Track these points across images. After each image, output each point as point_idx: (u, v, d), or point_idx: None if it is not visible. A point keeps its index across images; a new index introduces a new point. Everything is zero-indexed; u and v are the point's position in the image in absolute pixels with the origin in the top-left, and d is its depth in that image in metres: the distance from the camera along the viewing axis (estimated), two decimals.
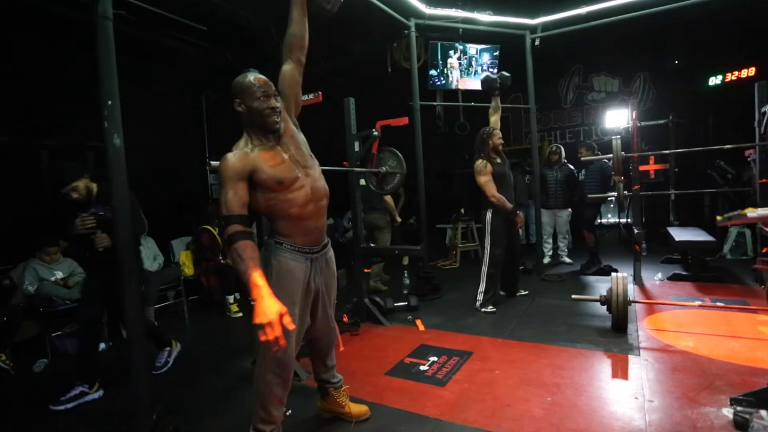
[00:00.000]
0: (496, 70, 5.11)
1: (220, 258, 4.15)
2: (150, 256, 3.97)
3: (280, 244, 1.69)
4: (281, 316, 1.38)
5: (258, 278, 1.43)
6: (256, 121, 1.65)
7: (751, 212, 1.50)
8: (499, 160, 3.72)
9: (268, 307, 1.38)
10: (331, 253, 1.87)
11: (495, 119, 3.92)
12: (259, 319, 1.37)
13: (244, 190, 1.57)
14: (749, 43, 5.77)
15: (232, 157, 1.58)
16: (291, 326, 1.42)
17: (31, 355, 3.14)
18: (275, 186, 1.61)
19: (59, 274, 3.44)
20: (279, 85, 1.78)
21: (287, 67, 1.80)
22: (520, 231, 6.19)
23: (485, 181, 3.60)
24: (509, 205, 3.59)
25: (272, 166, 1.61)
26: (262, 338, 1.36)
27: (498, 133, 3.73)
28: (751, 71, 5.99)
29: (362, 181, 3.65)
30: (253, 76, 1.66)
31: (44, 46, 4.25)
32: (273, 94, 1.66)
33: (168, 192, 5.38)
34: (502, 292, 3.90)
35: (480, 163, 3.65)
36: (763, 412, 1.76)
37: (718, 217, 1.57)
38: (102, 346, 3.35)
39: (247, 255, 1.47)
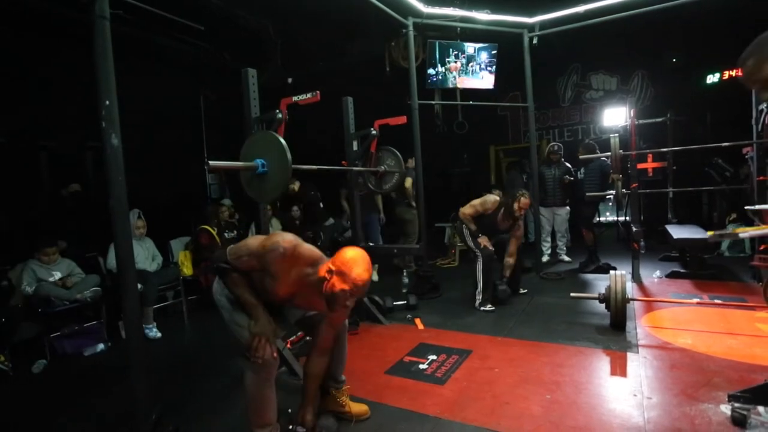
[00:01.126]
0: (493, 78, 5.11)
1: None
2: (149, 256, 3.96)
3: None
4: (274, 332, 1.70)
5: (252, 299, 1.73)
6: (329, 298, 1.64)
7: (743, 233, 1.51)
8: (499, 215, 3.79)
9: (265, 323, 1.69)
10: None
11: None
12: (256, 329, 1.68)
13: (250, 267, 1.73)
14: (746, 41, 5.75)
15: (282, 254, 1.65)
16: (273, 353, 1.70)
17: (29, 356, 3.13)
18: (268, 284, 1.73)
19: (57, 275, 3.43)
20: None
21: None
22: None
23: (474, 204, 3.80)
24: (473, 227, 3.78)
25: (284, 283, 1.70)
26: (253, 352, 1.65)
27: (527, 202, 3.72)
28: None
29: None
30: (362, 281, 1.61)
31: (42, 46, 4.24)
32: (354, 299, 1.69)
33: (166, 192, 5.37)
34: (502, 287, 3.86)
35: (492, 200, 3.79)
36: (760, 409, 1.76)
37: (710, 233, 1.58)
38: (101, 346, 3.36)
39: (240, 283, 1.75)
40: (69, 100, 4.25)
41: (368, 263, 1.65)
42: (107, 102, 1.80)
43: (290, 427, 1.90)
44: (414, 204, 5.12)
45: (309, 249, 1.74)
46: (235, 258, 1.74)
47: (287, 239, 1.67)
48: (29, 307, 3.25)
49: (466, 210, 3.81)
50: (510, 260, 3.85)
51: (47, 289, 3.27)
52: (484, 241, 3.74)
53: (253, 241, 1.78)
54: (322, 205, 5.56)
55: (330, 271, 1.63)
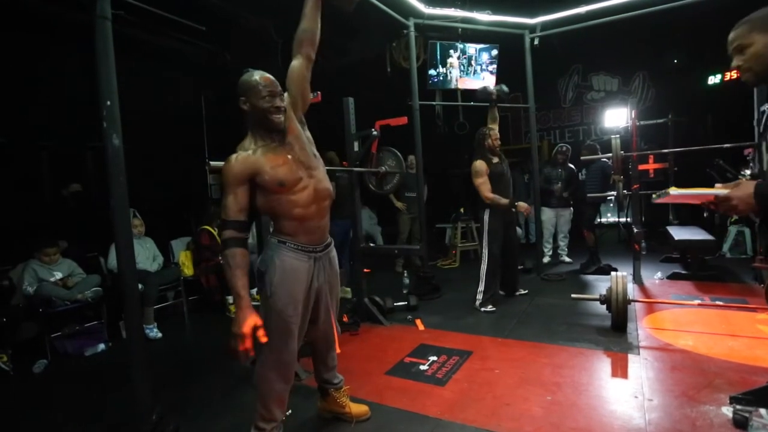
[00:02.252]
0: (494, 79, 5.10)
1: (220, 258, 4.14)
2: (149, 256, 3.97)
3: (283, 243, 1.68)
4: (255, 329, 1.50)
5: (240, 288, 1.53)
6: (261, 121, 1.64)
7: (674, 191, 1.50)
8: (496, 160, 3.72)
9: (243, 318, 1.49)
10: (334, 252, 1.87)
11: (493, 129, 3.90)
12: (234, 329, 1.50)
13: (243, 195, 1.59)
14: None
15: (235, 161, 1.59)
16: (263, 339, 1.53)
17: (30, 356, 3.13)
18: (277, 188, 1.61)
19: (58, 275, 3.44)
20: (287, 82, 1.78)
21: (296, 63, 1.79)
22: (519, 230, 6.22)
23: (480, 182, 3.62)
24: (504, 201, 3.59)
25: (274, 167, 1.61)
26: (231, 347, 1.49)
27: (495, 133, 3.72)
28: None
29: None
30: (258, 75, 1.66)
31: (43, 46, 4.24)
32: (278, 93, 1.66)
33: (167, 192, 5.38)
34: (501, 292, 3.91)
35: (477, 163, 3.66)
36: (762, 411, 1.76)
37: (654, 195, 1.57)
38: (102, 346, 3.36)
39: (236, 263, 1.55)
40: (70, 100, 4.26)
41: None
42: (108, 102, 1.80)
43: None
44: (399, 205, 5.19)
45: (244, 144, 1.67)
46: (230, 215, 1.57)
47: (229, 159, 1.61)
48: (30, 307, 3.26)
49: (484, 192, 3.59)
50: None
51: (48, 289, 3.28)
52: (522, 207, 3.67)
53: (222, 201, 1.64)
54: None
55: (243, 103, 1.64)
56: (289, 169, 1.64)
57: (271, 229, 1.77)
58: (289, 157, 1.67)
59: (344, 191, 3.85)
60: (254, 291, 1.92)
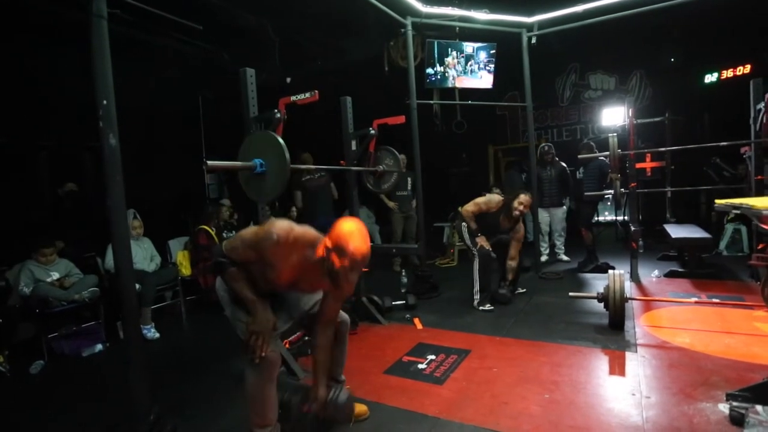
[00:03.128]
0: (492, 77, 5.10)
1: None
2: (147, 256, 3.95)
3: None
4: (275, 327, 1.71)
5: (251, 295, 1.72)
6: (331, 273, 1.61)
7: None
8: (505, 224, 3.77)
9: (264, 318, 1.69)
10: None
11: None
12: (254, 327, 1.67)
13: (247, 257, 1.71)
14: (744, 41, 5.79)
15: (277, 243, 1.62)
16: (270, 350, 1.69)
17: (27, 356, 3.12)
18: (269, 278, 1.70)
19: (55, 275, 3.42)
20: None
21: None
22: None
23: (479, 204, 3.77)
24: (473, 225, 3.74)
25: (279, 274, 1.68)
26: (251, 343, 1.65)
27: (528, 201, 3.72)
28: (747, 69, 6.02)
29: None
30: (363, 248, 1.59)
31: (40, 46, 4.22)
32: (356, 275, 1.75)
33: (165, 192, 5.36)
34: (502, 291, 3.88)
35: (495, 199, 3.79)
36: (758, 407, 1.76)
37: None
38: (99, 347, 3.35)
39: (239, 277, 1.73)
40: (67, 100, 4.24)
41: (364, 235, 1.63)
42: (105, 102, 1.79)
43: (303, 405, 1.87)
44: (391, 205, 5.25)
45: (303, 231, 1.70)
46: (230, 250, 1.71)
47: (280, 226, 1.64)
48: (27, 307, 3.24)
49: (469, 207, 3.78)
50: (512, 263, 3.83)
51: (45, 290, 3.26)
52: (482, 241, 3.73)
53: (247, 232, 1.75)
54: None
55: (327, 249, 1.60)
56: (287, 282, 1.73)
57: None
58: (299, 284, 1.77)
59: (322, 190, 3.87)
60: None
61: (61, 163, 4.75)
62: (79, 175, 4.71)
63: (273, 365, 1.75)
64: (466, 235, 3.82)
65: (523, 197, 3.67)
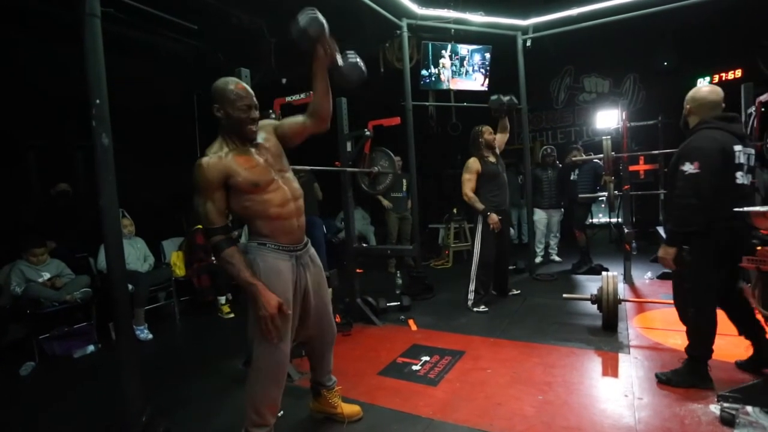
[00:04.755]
0: (487, 80, 5.12)
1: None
2: (140, 256, 3.92)
3: (263, 245, 1.69)
4: (280, 305, 1.59)
5: (250, 278, 1.59)
6: (235, 129, 1.65)
7: None
8: (492, 159, 3.74)
9: (268, 300, 1.57)
10: (312, 250, 1.88)
11: (500, 138, 3.91)
12: (262, 311, 1.56)
13: (221, 199, 1.61)
14: (736, 46, 5.86)
15: (207, 165, 1.58)
16: (288, 311, 1.63)
17: (17, 358, 3.08)
18: (251, 188, 1.62)
19: (46, 275, 3.39)
20: (287, 121, 1.83)
21: (302, 118, 1.81)
22: (512, 231, 6.24)
23: (466, 178, 3.66)
24: (479, 206, 3.62)
25: (247, 168, 1.62)
26: (264, 329, 1.58)
27: (488, 128, 3.74)
28: (738, 73, 6.08)
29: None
30: (234, 84, 1.65)
31: (31, 44, 4.18)
32: (254, 105, 1.67)
33: (158, 192, 5.32)
34: (493, 292, 3.93)
35: (471, 160, 3.69)
36: (749, 408, 1.78)
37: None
38: (91, 348, 3.32)
39: (236, 260, 1.60)
40: (59, 99, 4.20)
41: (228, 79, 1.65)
42: (98, 101, 1.78)
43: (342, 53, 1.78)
44: (386, 203, 5.27)
45: (213, 148, 1.66)
46: (204, 217, 1.61)
47: (199, 163, 1.59)
48: (17, 308, 3.20)
49: (465, 189, 3.65)
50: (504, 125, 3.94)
51: (36, 290, 3.23)
52: (492, 220, 3.59)
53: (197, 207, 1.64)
54: None
55: (217, 110, 1.63)
56: (262, 170, 1.65)
57: (249, 236, 1.78)
58: (261, 159, 1.68)
59: (305, 189, 3.82)
60: (222, 299, 1.91)
61: (52, 162, 4.71)
62: (71, 175, 4.67)
63: (282, 367, 1.73)
64: (478, 235, 3.70)
65: (483, 128, 3.71)
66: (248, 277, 1.58)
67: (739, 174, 2.00)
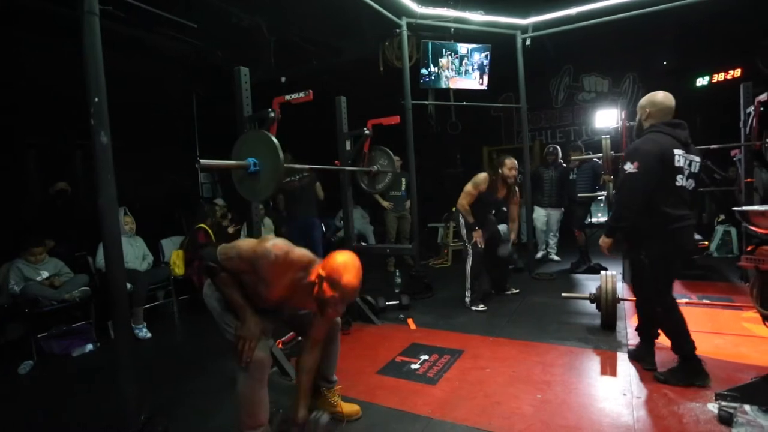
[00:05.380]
0: (486, 79, 5.11)
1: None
2: (139, 255, 3.92)
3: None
4: (262, 332, 1.70)
5: (241, 300, 1.73)
6: (319, 304, 1.67)
7: None
8: (501, 192, 3.71)
9: (254, 325, 1.70)
10: None
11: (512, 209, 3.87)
12: (242, 332, 1.69)
13: (239, 269, 1.72)
14: (735, 46, 5.87)
15: (275, 261, 1.63)
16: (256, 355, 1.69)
17: (16, 357, 3.08)
18: (259, 289, 1.72)
19: (45, 274, 3.38)
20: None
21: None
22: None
23: (467, 191, 3.67)
24: (471, 219, 3.65)
25: (270, 286, 1.69)
26: (239, 349, 1.67)
27: (513, 163, 3.66)
28: (737, 73, 6.09)
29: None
30: (354, 282, 1.64)
31: (30, 42, 4.17)
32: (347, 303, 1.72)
33: (157, 191, 5.32)
34: (492, 291, 3.93)
35: (482, 176, 3.67)
36: (746, 407, 1.79)
37: None
38: (90, 346, 3.31)
39: (230, 283, 1.74)
40: (58, 97, 4.19)
41: (358, 269, 1.66)
42: (96, 99, 1.77)
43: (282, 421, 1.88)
44: (386, 204, 5.29)
45: (300, 253, 1.74)
46: (225, 258, 1.72)
47: (279, 245, 1.66)
48: (16, 307, 3.20)
49: (463, 201, 3.68)
50: (513, 225, 3.83)
51: (34, 289, 3.22)
52: (477, 235, 3.65)
53: (245, 244, 1.76)
54: None
55: (320, 277, 1.63)
56: (278, 297, 1.74)
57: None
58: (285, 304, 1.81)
59: (304, 191, 3.81)
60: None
61: (51, 161, 4.70)
62: (70, 174, 4.66)
63: (263, 367, 1.75)
64: (463, 231, 3.75)
65: (507, 161, 3.63)
66: (240, 300, 1.73)
67: (678, 177, 2.11)
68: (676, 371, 2.21)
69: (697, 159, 2.18)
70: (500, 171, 3.63)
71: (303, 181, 4.66)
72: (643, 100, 2.33)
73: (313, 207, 4.82)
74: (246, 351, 1.66)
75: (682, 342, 2.19)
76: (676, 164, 2.10)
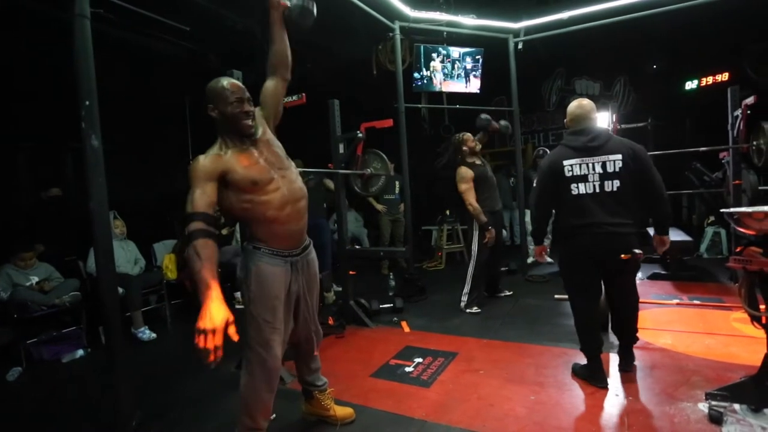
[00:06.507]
0: (479, 82, 5.15)
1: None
2: (131, 259, 3.89)
3: (258, 249, 1.67)
4: (227, 324, 1.31)
5: (210, 280, 1.35)
6: (231, 126, 1.64)
7: None
8: (478, 162, 3.75)
9: (216, 313, 1.30)
10: (313, 254, 1.86)
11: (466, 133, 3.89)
12: (203, 323, 1.29)
13: (212, 191, 1.53)
14: (723, 50, 5.96)
15: (204, 159, 1.57)
16: (235, 337, 1.34)
17: (4, 363, 3.03)
18: (250, 187, 1.59)
19: (34, 279, 3.34)
20: (261, 97, 1.82)
21: (270, 83, 1.84)
22: (504, 232, 6.27)
23: (465, 189, 3.64)
24: (483, 219, 3.58)
25: (246, 166, 1.60)
26: (200, 344, 1.28)
27: (469, 136, 3.75)
28: (725, 76, 6.19)
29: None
30: (226, 81, 1.65)
31: (20, 44, 4.13)
32: (246, 98, 1.65)
33: (149, 195, 5.28)
34: (485, 293, 3.94)
35: (462, 170, 3.67)
36: (736, 406, 1.81)
37: None
38: (80, 352, 3.28)
39: (205, 254, 1.39)
40: (48, 101, 4.15)
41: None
42: (87, 102, 1.77)
43: None
44: (380, 208, 5.30)
45: (214, 149, 1.64)
46: (198, 208, 1.47)
47: (197, 158, 1.58)
48: (4, 312, 3.14)
49: (470, 200, 3.59)
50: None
51: (23, 294, 3.18)
52: (490, 235, 3.58)
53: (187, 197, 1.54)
54: None
55: (212, 110, 1.63)
56: (261, 168, 1.63)
57: (246, 238, 1.75)
58: (260, 158, 1.66)
59: (312, 193, 3.81)
60: (238, 294, 1.90)
61: (42, 164, 4.65)
62: (61, 177, 4.61)
63: (274, 373, 1.71)
64: (475, 233, 3.67)
65: (464, 136, 3.71)
66: (208, 278, 1.34)
67: (573, 186, 2.15)
68: (583, 367, 2.34)
69: (616, 156, 2.11)
70: (465, 149, 3.69)
71: (309, 183, 4.65)
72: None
73: (321, 209, 4.81)
74: (208, 345, 1.30)
75: (584, 343, 2.28)
76: (567, 174, 2.15)
